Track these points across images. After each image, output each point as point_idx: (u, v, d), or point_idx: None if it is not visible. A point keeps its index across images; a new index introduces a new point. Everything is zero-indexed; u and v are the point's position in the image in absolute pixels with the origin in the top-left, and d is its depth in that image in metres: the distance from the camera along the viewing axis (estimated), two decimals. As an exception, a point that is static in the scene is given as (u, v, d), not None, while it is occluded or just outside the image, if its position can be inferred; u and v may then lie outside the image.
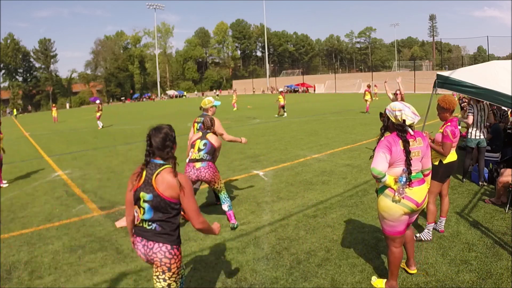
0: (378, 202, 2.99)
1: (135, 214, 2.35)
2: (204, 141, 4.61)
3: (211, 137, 4.67)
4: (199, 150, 4.56)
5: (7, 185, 7.72)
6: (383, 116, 3.02)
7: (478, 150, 6.03)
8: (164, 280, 2.28)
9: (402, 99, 7.29)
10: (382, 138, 2.91)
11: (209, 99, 5.33)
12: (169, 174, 2.27)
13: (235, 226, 4.62)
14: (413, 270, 3.36)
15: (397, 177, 2.85)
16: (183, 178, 2.30)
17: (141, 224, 2.34)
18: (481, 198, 5.26)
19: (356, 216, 4.85)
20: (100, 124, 20.20)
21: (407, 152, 2.80)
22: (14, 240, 4.64)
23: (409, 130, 2.86)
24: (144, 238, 2.31)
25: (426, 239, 3.98)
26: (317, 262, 3.66)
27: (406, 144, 2.81)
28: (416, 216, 3.13)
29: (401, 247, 3.07)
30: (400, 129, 2.85)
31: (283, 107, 20.12)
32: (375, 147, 2.91)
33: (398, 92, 7.78)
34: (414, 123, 2.87)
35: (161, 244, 2.27)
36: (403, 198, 2.84)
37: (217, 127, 4.90)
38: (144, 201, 2.28)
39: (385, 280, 3.21)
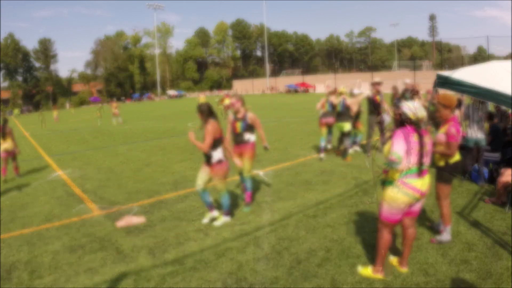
0: (386, 192, 3.18)
1: None
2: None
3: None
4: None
5: None
6: (398, 111, 3.29)
7: (477, 149, 6.02)
8: None
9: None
10: (398, 130, 3.17)
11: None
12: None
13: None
14: (404, 270, 3.38)
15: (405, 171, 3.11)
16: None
17: None
18: (481, 198, 5.26)
19: (356, 216, 4.85)
20: (119, 120, 21.94)
21: (421, 143, 3.08)
22: (14, 240, 4.64)
23: (421, 126, 3.16)
24: None
25: (446, 239, 3.92)
26: (317, 262, 3.66)
27: (420, 137, 3.11)
28: (418, 209, 3.29)
29: (391, 234, 3.33)
30: (415, 124, 3.14)
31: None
32: (381, 137, 3.19)
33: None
34: (424, 120, 3.16)
35: None
36: (407, 188, 3.09)
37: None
38: None
39: (371, 266, 3.37)
